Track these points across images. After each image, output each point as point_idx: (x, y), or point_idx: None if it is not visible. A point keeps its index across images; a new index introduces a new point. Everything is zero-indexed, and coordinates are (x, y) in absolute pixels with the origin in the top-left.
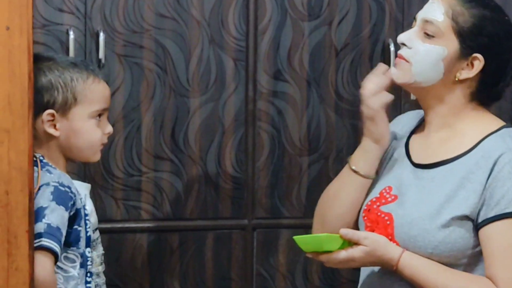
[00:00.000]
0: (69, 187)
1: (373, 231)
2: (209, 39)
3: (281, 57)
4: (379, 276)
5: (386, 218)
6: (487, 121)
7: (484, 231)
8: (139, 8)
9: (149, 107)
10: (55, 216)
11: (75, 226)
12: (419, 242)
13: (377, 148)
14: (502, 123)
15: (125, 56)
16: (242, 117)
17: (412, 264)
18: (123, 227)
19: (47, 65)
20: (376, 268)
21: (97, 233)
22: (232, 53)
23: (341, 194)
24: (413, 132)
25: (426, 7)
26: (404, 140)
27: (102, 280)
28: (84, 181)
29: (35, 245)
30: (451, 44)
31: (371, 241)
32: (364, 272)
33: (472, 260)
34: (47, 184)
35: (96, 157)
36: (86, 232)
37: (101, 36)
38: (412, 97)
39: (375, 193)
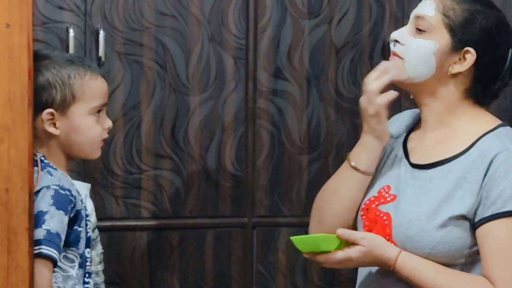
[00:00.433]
0: (69, 190)
1: (371, 230)
2: (209, 37)
3: (281, 55)
4: (376, 277)
5: (385, 218)
6: (484, 120)
7: (481, 231)
8: (139, 6)
9: (149, 105)
10: (55, 222)
11: (75, 227)
12: (417, 242)
13: (378, 145)
14: (498, 121)
15: (125, 54)
16: (242, 115)
17: (410, 264)
18: (123, 225)
19: (44, 64)
20: (374, 269)
21: (96, 232)
22: (232, 51)
23: (340, 191)
24: (411, 131)
25: (419, 4)
26: (402, 139)
27: (101, 279)
28: (84, 179)
29: (35, 252)
30: (443, 38)
31: (368, 241)
32: (362, 272)
33: (469, 259)
34: (48, 187)
35: (97, 154)
36: (86, 232)
37: (101, 34)
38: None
39: (373, 192)
